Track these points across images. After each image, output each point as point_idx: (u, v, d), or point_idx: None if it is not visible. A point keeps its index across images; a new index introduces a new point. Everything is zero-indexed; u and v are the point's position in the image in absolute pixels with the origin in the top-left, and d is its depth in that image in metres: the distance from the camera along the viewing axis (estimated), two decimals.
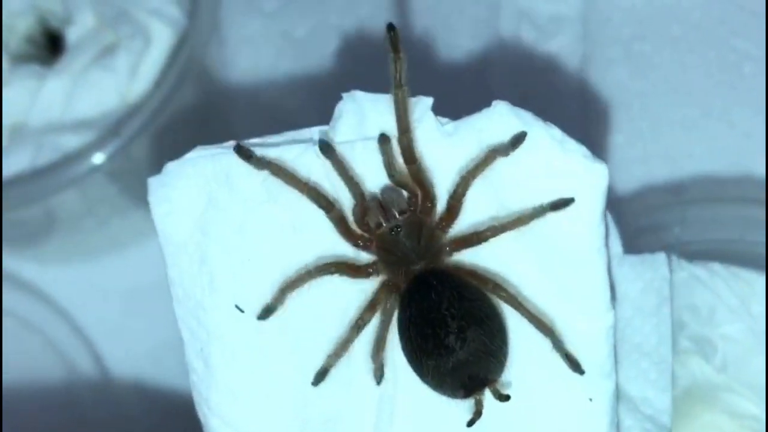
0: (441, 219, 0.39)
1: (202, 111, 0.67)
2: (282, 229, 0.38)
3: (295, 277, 0.38)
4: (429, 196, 0.39)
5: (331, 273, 0.38)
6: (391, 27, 0.37)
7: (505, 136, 0.37)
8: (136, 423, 0.64)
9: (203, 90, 0.65)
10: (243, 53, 0.72)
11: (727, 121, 0.67)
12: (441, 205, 0.39)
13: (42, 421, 0.65)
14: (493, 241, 0.38)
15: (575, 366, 0.38)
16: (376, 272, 0.39)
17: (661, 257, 0.48)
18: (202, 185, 0.38)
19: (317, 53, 0.72)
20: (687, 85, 0.69)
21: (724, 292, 0.53)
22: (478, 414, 0.37)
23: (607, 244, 0.38)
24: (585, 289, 0.38)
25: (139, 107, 0.60)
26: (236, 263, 0.38)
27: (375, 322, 0.39)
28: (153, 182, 0.38)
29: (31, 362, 0.66)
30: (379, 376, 0.39)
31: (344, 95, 0.38)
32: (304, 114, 0.70)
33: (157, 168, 0.39)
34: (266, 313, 0.38)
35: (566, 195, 0.37)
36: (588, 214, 0.37)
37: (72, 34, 0.63)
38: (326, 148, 0.38)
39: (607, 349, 0.38)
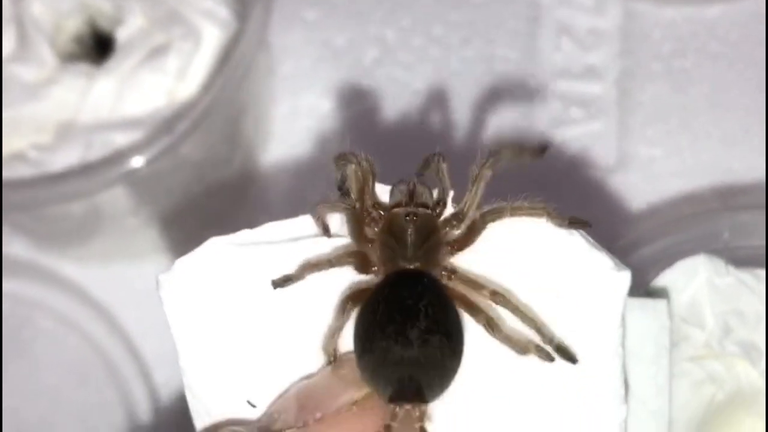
0: (454, 240, 0.38)
1: (243, 114, 0.67)
2: (294, 325, 0.38)
3: (316, 261, 0.37)
4: (458, 216, 0.38)
5: (350, 264, 0.37)
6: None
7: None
8: (175, 422, 0.64)
9: (248, 93, 0.66)
10: (284, 60, 0.73)
11: (765, 138, 0.68)
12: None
13: (82, 419, 0.65)
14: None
15: (568, 357, 0.37)
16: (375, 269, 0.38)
17: (661, 305, 0.48)
18: (213, 283, 0.38)
19: (356, 62, 0.73)
20: (726, 102, 0.70)
21: None
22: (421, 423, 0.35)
23: (623, 344, 0.38)
24: (600, 387, 0.38)
25: (188, 108, 0.60)
26: (248, 358, 0.38)
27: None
28: (162, 279, 0.38)
29: (71, 361, 0.67)
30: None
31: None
32: (339, 116, 0.71)
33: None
34: (284, 281, 0.37)
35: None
36: (608, 319, 0.37)
37: (122, 35, 0.63)
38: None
39: None
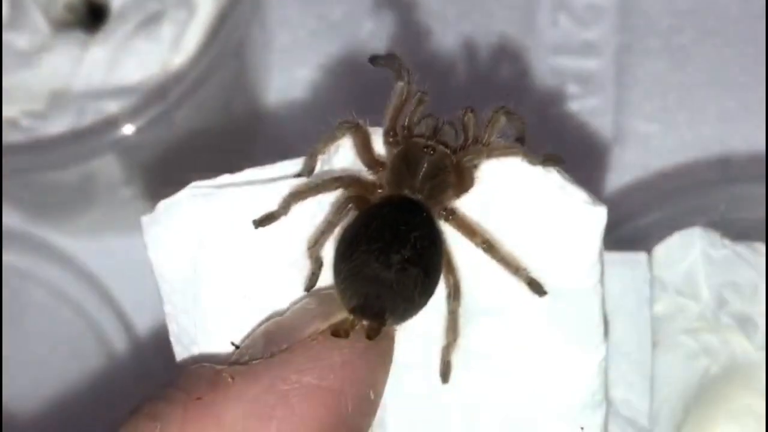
0: (458, 183, 0.38)
1: (238, 86, 0.67)
2: (276, 266, 0.38)
3: (302, 188, 0.37)
4: (467, 174, 0.37)
5: (336, 188, 0.37)
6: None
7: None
8: None
9: (242, 64, 0.65)
10: (280, 33, 0.73)
11: (764, 115, 0.67)
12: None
13: (73, 390, 0.65)
14: (488, 272, 0.37)
15: (538, 290, 0.37)
16: (381, 191, 0.37)
17: (642, 257, 0.47)
18: (195, 224, 0.38)
19: (352, 35, 0.73)
20: (724, 78, 0.69)
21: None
22: (371, 334, 0.35)
23: (602, 282, 0.38)
24: (579, 325, 0.38)
25: (181, 76, 0.60)
26: (231, 301, 0.38)
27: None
28: (145, 221, 0.38)
29: (63, 333, 0.66)
30: (313, 277, 0.37)
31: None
32: (336, 91, 0.71)
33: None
34: (268, 219, 0.37)
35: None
36: (586, 254, 0.37)
37: (116, 3, 0.63)
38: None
39: (600, 380, 0.39)
